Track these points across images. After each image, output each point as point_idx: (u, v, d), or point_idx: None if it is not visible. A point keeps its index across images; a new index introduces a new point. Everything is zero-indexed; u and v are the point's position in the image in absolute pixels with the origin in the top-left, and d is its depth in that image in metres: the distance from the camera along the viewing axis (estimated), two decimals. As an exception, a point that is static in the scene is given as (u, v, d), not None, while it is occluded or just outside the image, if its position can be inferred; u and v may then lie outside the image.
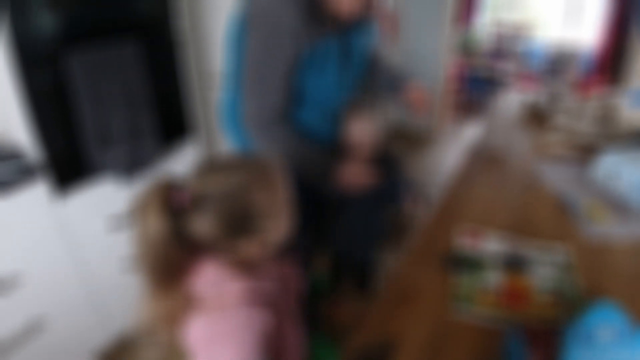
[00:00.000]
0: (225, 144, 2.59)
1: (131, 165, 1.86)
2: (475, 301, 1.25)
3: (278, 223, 0.92)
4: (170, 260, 0.84)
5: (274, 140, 1.39)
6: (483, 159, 2.11)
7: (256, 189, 0.87)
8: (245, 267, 0.91)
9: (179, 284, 0.88)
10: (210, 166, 0.90)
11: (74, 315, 1.87)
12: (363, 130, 1.69)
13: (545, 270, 1.37)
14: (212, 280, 0.89)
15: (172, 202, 0.84)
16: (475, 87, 5.28)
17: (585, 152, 2.13)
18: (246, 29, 1.30)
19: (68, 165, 1.73)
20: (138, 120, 1.85)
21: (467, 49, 5.23)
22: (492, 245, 1.49)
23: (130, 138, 1.83)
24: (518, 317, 1.20)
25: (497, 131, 2.45)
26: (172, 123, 2.08)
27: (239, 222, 0.87)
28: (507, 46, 5.22)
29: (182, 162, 2.18)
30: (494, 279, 1.34)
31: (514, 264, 1.40)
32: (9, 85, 1.54)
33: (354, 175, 1.44)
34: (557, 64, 4.88)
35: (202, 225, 0.85)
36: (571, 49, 4.82)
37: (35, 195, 1.65)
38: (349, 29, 1.40)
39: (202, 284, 0.89)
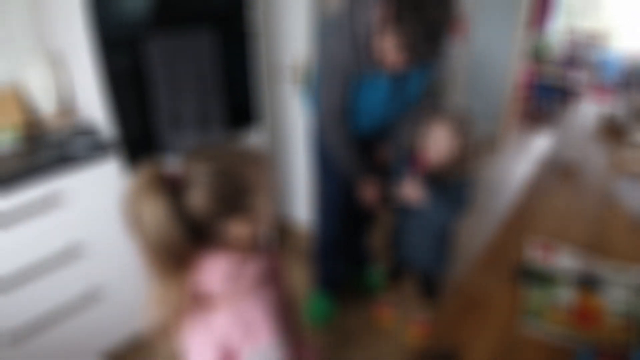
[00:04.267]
0: (288, 134, 2.60)
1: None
2: (545, 317, 1.20)
3: (266, 205, 0.94)
4: (175, 245, 0.84)
5: (336, 134, 1.74)
6: (556, 171, 2.02)
7: (248, 166, 0.91)
8: (251, 252, 0.95)
9: (185, 276, 0.89)
10: (201, 151, 0.93)
11: (130, 288, 1.91)
12: (440, 138, 1.62)
13: (619, 292, 1.29)
14: (226, 275, 0.90)
15: (166, 183, 0.85)
16: (545, 95, 5.07)
17: (666, 171, 1.99)
18: (318, 47, 1.68)
19: (139, 144, 1.77)
20: (207, 106, 1.88)
21: (538, 55, 5.03)
22: (564, 260, 1.42)
23: (199, 122, 1.87)
24: (589, 337, 1.14)
25: (570, 143, 2.34)
26: (239, 111, 2.10)
27: (233, 197, 0.89)
28: (580, 55, 4.98)
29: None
30: (565, 296, 1.28)
31: (587, 283, 1.33)
32: (89, 65, 1.59)
33: (409, 189, 1.65)
34: (632, 77, 4.61)
35: (197, 201, 0.86)
36: (649, 63, 4.54)
37: (106, 170, 1.70)
38: (405, 72, 1.61)
39: (213, 281, 0.90)
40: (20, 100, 1.84)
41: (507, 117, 4.28)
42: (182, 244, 0.85)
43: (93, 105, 1.71)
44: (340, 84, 1.62)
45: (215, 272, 0.90)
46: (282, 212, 2.90)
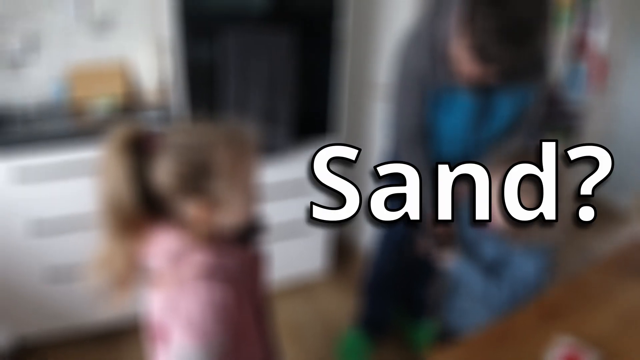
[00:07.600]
0: (364, 153, 2.51)
1: (261, 147, 1.91)
2: None
3: (234, 194, 0.87)
4: (126, 209, 0.82)
5: (413, 155, 1.59)
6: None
7: (221, 148, 0.85)
8: (207, 241, 0.88)
9: (132, 243, 0.86)
10: (190, 121, 0.89)
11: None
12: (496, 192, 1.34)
13: None
14: (169, 252, 0.86)
15: (140, 145, 0.84)
16: None
17: None
18: (395, 60, 1.57)
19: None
20: (276, 106, 1.93)
21: None
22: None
23: (265, 120, 1.91)
24: None
25: None
26: (312, 119, 2.11)
27: (193, 177, 0.84)
28: None
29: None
30: None
31: None
32: (170, 48, 1.74)
33: None
34: None
35: (161, 172, 0.83)
36: None
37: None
38: (492, 88, 1.44)
39: (158, 256, 0.87)
40: (125, 75, 2.11)
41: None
42: (133, 210, 0.84)
43: (170, 85, 1.85)
44: (417, 97, 1.49)
45: (159, 247, 0.87)
46: (347, 233, 2.83)
